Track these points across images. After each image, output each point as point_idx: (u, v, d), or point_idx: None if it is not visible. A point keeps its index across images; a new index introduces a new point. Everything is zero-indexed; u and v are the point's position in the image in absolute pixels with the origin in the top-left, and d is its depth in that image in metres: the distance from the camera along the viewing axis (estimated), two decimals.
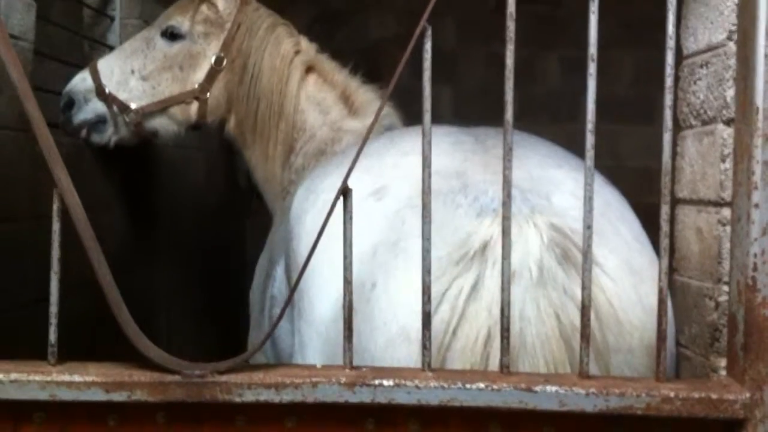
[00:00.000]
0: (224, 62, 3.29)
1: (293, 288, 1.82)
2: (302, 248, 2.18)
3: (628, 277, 1.93)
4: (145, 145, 3.92)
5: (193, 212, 4.66)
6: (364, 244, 1.96)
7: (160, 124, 3.40)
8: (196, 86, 3.31)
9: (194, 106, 3.35)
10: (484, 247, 1.87)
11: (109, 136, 3.43)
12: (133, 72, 3.37)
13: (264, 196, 3.47)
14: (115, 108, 3.36)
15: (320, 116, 3.26)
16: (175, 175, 4.45)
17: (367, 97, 3.30)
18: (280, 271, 2.58)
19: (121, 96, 3.35)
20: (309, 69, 3.31)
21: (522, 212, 1.90)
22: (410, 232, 1.95)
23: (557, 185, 2.05)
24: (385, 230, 2.01)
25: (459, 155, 2.13)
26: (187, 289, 4.56)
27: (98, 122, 3.41)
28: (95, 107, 3.38)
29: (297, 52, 3.30)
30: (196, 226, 4.67)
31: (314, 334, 2.06)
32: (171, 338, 4.17)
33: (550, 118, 5.68)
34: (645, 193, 5.26)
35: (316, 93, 3.29)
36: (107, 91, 3.34)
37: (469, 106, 5.73)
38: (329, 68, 3.33)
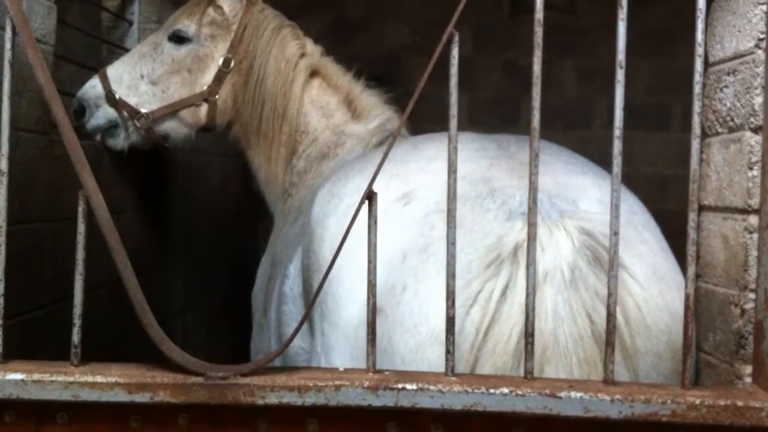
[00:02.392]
0: (232, 64, 3.29)
1: (317, 291, 1.81)
2: (325, 250, 2.18)
3: (655, 283, 1.94)
4: (162, 150, 3.93)
5: (209, 216, 4.66)
6: (393, 248, 1.97)
7: (170, 127, 3.38)
8: (205, 89, 3.31)
9: (203, 109, 3.35)
10: (516, 250, 1.88)
11: (122, 140, 3.42)
12: (142, 77, 3.37)
13: (266, 197, 3.48)
14: (125, 113, 3.35)
15: (323, 120, 3.27)
16: (191, 180, 4.46)
17: (370, 101, 3.31)
18: (293, 270, 2.58)
19: (131, 101, 3.34)
20: (313, 72, 3.31)
21: (551, 217, 1.92)
22: (440, 236, 1.95)
23: (583, 191, 2.06)
24: (413, 235, 2.01)
25: (484, 161, 2.13)
26: (202, 292, 4.56)
27: (111, 127, 3.41)
28: (106, 113, 3.37)
29: (302, 55, 3.30)
30: (212, 230, 4.67)
31: (341, 337, 2.06)
32: (186, 341, 4.17)
33: (565, 126, 5.67)
34: (659, 199, 5.27)
35: (320, 96, 3.30)
36: (117, 96, 3.34)
37: (485, 113, 5.72)
38: (333, 71, 3.33)
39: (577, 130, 5.72)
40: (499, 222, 1.95)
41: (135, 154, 3.59)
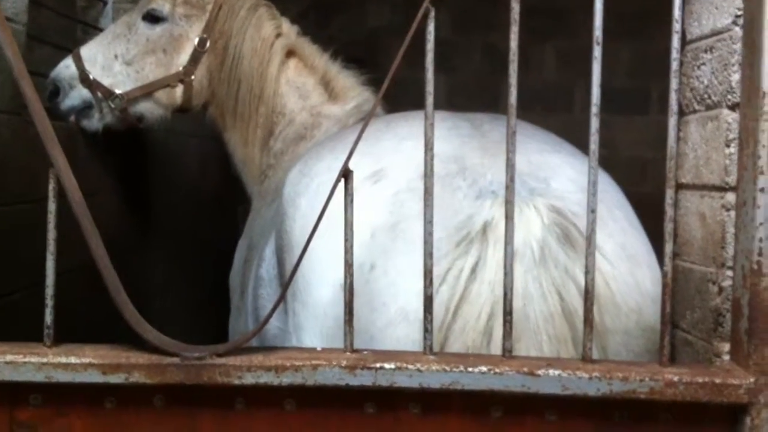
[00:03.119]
0: (207, 44, 3.26)
1: (293, 271, 1.80)
2: (297, 230, 2.17)
3: (624, 261, 1.95)
4: (139, 132, 3.89)
5: (187, 199, 4.63)
6: (362, 226, 1.96)
7: (145, 108, 3.34)
8: (181, 69, 3.27)
9: (179, 90, 3.31)
10: (485, 228, 1.88)
11: (96, 122, 3.37)
12: (116, 57, 3.32)
13: (243, 179, 3.46)
14: (99, 94, 3.30)
15: (300, 101, 3.25)
16: (168, 162, 4.42)
17: (347, 82, 3.29)
18: (269, 252, 2.57)
19: (105, 82, 3.30)
20: (290, 53, 3.29)
21: (521, 195, 1.91)
22: (409, 214, 1.95)
23: (555, 170, 2.06)
24: (383, 213, 2.01)
25: (456, 140, 2.13)
26: (183, 274, 4.53)
27: (85, 108, 3.36)
28: (81, 94, 3.33)
29: (278, 35, 3.27)
30: (190, 213, 4.64)
31: (311, 316, 2.05)
32: (167, 323, 4.14)
33: (545, 109, 5.67)
34: (639, 182, 5.29)
35: (296, 77, 3.28)
36: (91, 77, 3.29)
37: (464, 96, 5.71)
38: (310, 52, 3.31)
39: (558, 113, 5.72)
40: (468, 200, 1.95)
41: (110, 137, 3.55)
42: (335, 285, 1.97)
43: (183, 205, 4.54)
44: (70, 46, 3.58)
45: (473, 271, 1.86)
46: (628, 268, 1.94)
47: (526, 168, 2.00)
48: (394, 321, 1.89)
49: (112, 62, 3.33)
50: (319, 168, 2.23)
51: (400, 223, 1.97)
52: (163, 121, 3.44)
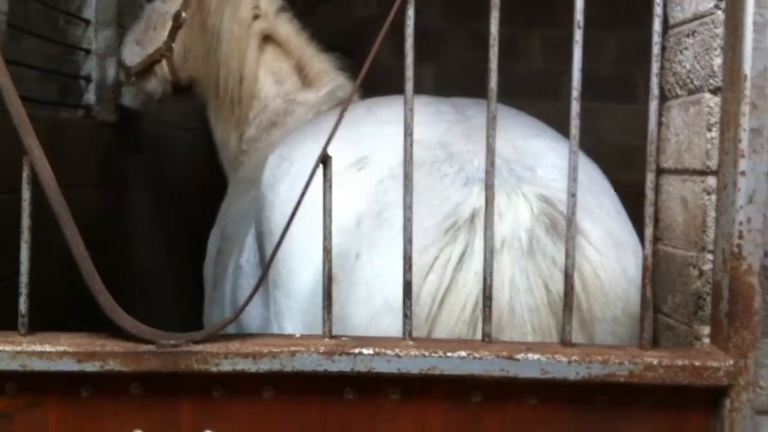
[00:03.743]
0: (182, 17, 3.36)
1: (270, 258, 1.78)
2: (276, 216, 2.14)
3: (612, 248, 1.93)
4: (126, 122, 3.87)
5: (175, 190, 4.60)
6: (347, 214, 1.94)
7: (150, 84, 3.55)
8: (162, 44, 3.42)
9: (164, 63, 3.46)
10: (473, 216, 1.86)
11: (129, 99, 3.70)
12: (135, 41, 3.59)
13: (222, 163, 3.50)
14: (122, 74, 3.63)
15: (275, 87, 3.27)
16: (156, 153, 4.39)
17: (322, 67, 3.29)
18: (250, 240, 2.55)
19: (128, 63, 3.59)
20: (268, 36, 3.29)
21: (509, 182, 1.89)
22: (394, 202, 1.92)
23: (540, 157, 2.04)
24: (368, 201, 1.98)
25: (441, 125, 2.10)
26: (169, 266, 4.51)
27: (123, 87, 3.71)
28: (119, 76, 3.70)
29: (256, 17, 3.27)
30: (177, 204, 4.62)
31: (293, 304, 2.03)
32: (152, 316, 4.11)
33: (533, 97, 5.65)
34: (625, 170, 5.26)
35: (273, 62, 3.29)
36: (124, 61, 3.62)
37: (452, 84, 5.67)
38: (287, 34, 3.30)
39: (545, 101, 5.70)
40: (456, 188, 1.92)
41: (98, 127, 3.57)
42: (317, 274, 1.93)
43: (170, 195, 4.52)
44: (52, 36, 3.56)
45: (460, 260, 1.84)
46: (615, 256, 1.92)
47: (512, 154, 1.98)
48: (380, 313, 1.86)
49: (132, 46, 3.59)
50: (299, 153, 2.20)
51: (384, 212, 1.94)
52: (167, 96, 3.60)
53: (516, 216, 1.85)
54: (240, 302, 2.54)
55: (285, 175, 2.18)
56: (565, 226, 1.79)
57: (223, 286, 2.76)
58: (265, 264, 2.07)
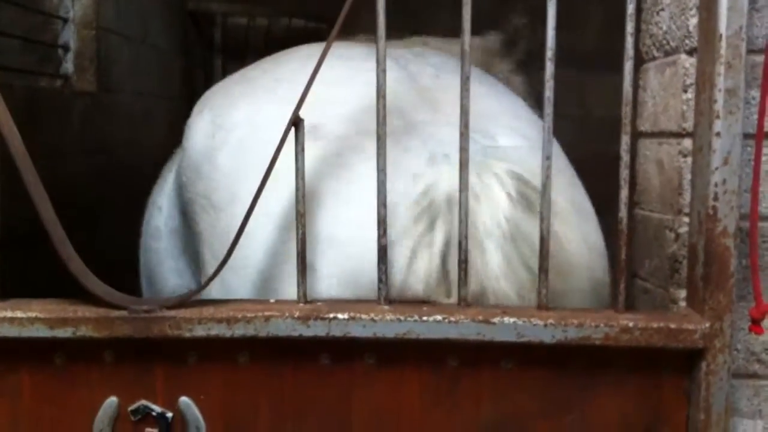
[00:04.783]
0: None
1: (233, 244, 1.69)
2: (221, 191, 1.94)
3: (574, 217, 1.87)
4: (105, 93, 3.82)
5: (155, 163, 4.56)
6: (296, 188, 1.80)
7: None
8: None
9: None
10: (449, 201, 1.75)
11: None
12: None
13: None
14: None
15: None
16: (135, 125, 4.35)
17: None
18: (166, 203, 2.38)
19: None
20: None
21: (475, 160, 1.75)
22: (351, 176, 1.82)
23: (495, 119, 1.92)
24: (323, 174, 1.84)
25: (388, 86, 1.83)
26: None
27: None
28: None
29: None
30: (157, 176, 4.57)
31: (245, 281, 1.88)
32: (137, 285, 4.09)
33: (515, 67, 5.62)
34: (612, 141, 5.26)
35: None
36: None
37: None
38: None
39: (529, 72, 5.67)
40: (421, 165, 1.80)
41: (74, 97, 3.50)
42: (266, 249, 1.84)
43: (150, 169, 4.48)
44: (36, 7, 3.51)
45: (443, 251, 1.74)
46: (577, 224, 1.86)
47: (471, 121, 1.79)
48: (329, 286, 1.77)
49: None
50: (237, 119, 2.02)
51: (343, 187, 1.82)
52: None
53: (494, 202, 1.76)
54: (157, 267, 2.44)
55: (223, 145, 2.00)
56: (538, 203, 1.73)
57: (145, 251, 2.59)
58: (202, 237, 1.99)
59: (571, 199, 1.89)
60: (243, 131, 1.96)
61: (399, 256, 1.75)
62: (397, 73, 1.99)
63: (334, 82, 1.87)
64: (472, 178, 1.72)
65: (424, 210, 1.77)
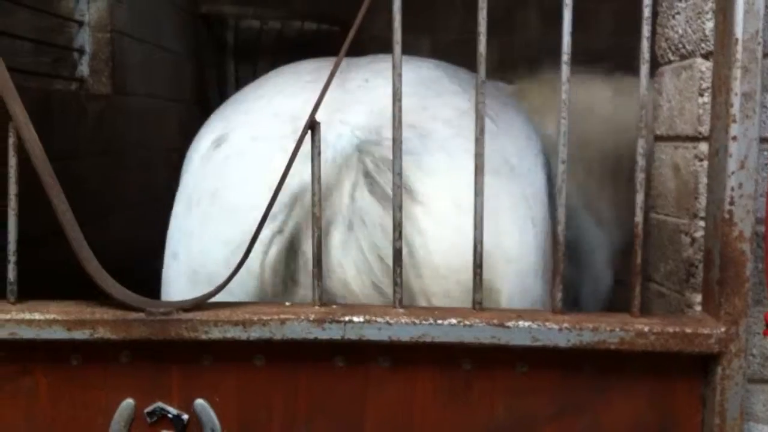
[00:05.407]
0: None
1: (247, 251, 1.70)
2: (180, 210, 2.00)
3: (454, 216, 1.78)
4: (118, 95, 3.84)
5: (167, 164, 4.58)
6: (197, 193, 1.91)
7: None
8: None
9: None
10: (295, 195, 1.79)
11: None
12: None
13: None
14: None
15: None
16: (148, 126, 4.37)
17: None
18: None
19: None
20: None
21: (344, 154, 1.80)
22: (230, 180, 1.87)
23: (377, 100, 1.87)
24: (212, 179, 1.90)
25: (304, 95, 1.89)
26: (161, 242, 4.49)
27: None
28: None
29: None
30: (169, 177, 4.59)
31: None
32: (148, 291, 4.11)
33: (529, 68, 5.62)
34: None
35: None
36: None
37: (447, 56, 5.65)
38: None
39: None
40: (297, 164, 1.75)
41: (88, 99, 3.51)
42: (228, 244, 1.84)
43: (161, 169, 4.50)
44: (43, 8, 3.53)
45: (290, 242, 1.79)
46: (457, 224, 1.76)
47: (364, 119, 1.84)
48: (205, 290, 1.75)
49: None
50: (203, 134, 2.05)
51: (220, 189, 1.87)
52: None
53: (341, 192, 1.79)
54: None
55: (188, 164, 2.03)
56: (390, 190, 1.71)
57: None
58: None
59: (454, 196, 1.79)
60: (205, 153, 1.99)
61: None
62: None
63: (264, 95, 2.01)
64: (332, 171, 1.77)
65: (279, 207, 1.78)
